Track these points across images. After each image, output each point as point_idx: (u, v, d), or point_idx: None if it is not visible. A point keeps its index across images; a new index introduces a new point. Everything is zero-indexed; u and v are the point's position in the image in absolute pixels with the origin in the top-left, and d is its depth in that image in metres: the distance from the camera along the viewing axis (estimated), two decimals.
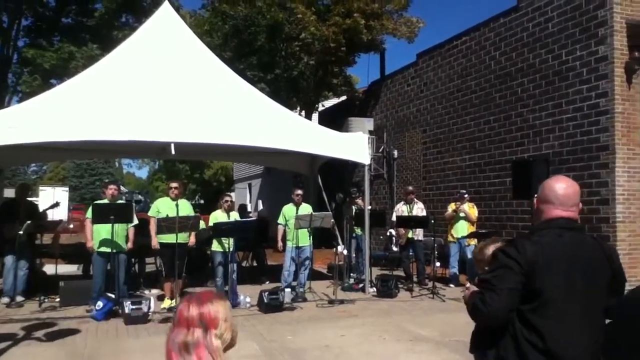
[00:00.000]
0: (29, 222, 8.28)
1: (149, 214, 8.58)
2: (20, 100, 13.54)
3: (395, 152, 15.19)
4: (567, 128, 9.72)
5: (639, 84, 9.05)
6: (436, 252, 10.07)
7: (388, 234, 13.21)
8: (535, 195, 2.41)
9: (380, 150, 15.55)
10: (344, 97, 18.32)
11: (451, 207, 10.27)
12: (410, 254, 10.47)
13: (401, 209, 10.67)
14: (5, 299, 8.33)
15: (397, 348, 6.18)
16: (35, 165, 46.79)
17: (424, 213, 10.43)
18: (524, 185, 7.18)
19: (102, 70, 9.44)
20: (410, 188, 11.02)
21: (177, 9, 14.33)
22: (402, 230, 10.47)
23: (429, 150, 13.82)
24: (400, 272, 10.86)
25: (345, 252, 10.16)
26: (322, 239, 10.83)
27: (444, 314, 7.89)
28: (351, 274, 10.54)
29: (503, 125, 11.26)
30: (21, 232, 8.14)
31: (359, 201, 10.66)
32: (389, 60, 25.47)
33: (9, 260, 8.37)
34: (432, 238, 10.19)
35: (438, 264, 10.39)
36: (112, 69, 9.36)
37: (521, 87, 10.83)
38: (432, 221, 9.85)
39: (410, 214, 10.30)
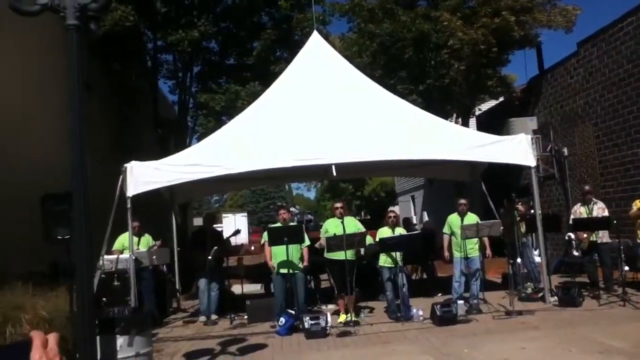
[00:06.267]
0: (215, 248, 9.21)
1: (321, 235, 9.05)
2: (198, 139, 15.09)
3: (565, 150, 14.17)
4: None
5: None
6: (623, 255, 9.17)
7: (567, 238, 12.32)
8: None
9: (548, 149, 14.62)
10: (501, 99, 17.60)
11: (636, 204, 9.30)
12: (595, 258, 9.66)
13: (579, 210, 9.88)
14: (202, 318, 9.32)
15: None
16: (217, 194, 51.41)
17: (606, 213, 9.57)
18: None
19: (265, 104, 10.26)
20: (587, 187, 10.19)
21: (326, 36, 14.98)
22: (582, 234, 9.72)
23: (604, 144, 12.68)
24: (583, 279, 10.06)
25: (519, 260, 9.70)
26: (494, 247, 10.41)
27: (638, 323, 7.16)
28: (528, 283, 10.01)
29: None
30: (210, 258, 9.08)
31: (520, 207, 10.13)
32: (546, 53, 23.85)
33: (202, 283, 9.37)
34: (617, 240, 9.31)
35: (627, 267, 9.45)
36: (273, 101, 10.14)
37: None
38: (615, 221, 9.01)
39: (589, 216, 9.53)
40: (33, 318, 5.57)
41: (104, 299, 7.32)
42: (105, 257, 8.36)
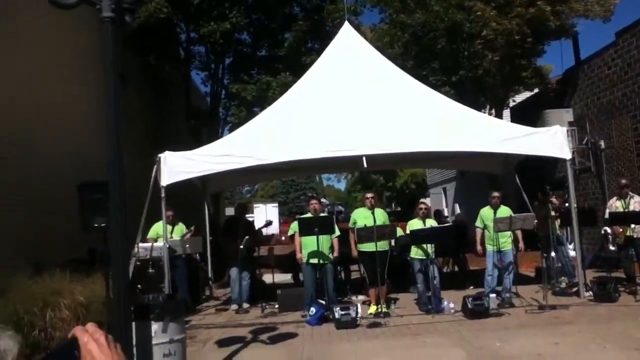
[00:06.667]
0: (247, 237, 9.31)
1: (349, 225, 9.06)
2: (230, 130, 15.21)
3: (602, 143, 13.81)
4: None
5: None
6: None
7: (602, 232, 12.06)
8: None
9: (584, 141, 14.28)
10: (536, 90, 17.25)
11: None
12: (631, 253, 9.44)
13: (615, 204, 9.65)
14: (234, 306, 9.45)
15: (622, 357, 5.65)
16: (248, 185, 51.97)
17: None
18: None
19: (296, 95, 10.29)
20: (624, 181, 9.94)
21: (357, 26, 14.88)
22: (618, 229, 9.50)
23: None
24: (619, 274, 9.84)
25: (553, 254, 9.54)
26: (526, 240, 10.26)
27: None
28: (562, 278, 9.84)
29: None
30: (242, 247, 9.19)
31: (554, 200, 9.94)
32: (583, 43, 23.17)
33: (234, 271, 9.50)
34: None
35: None
36: (304, 92, 10.15)
37: None
38: None
39: (625, 210, 9.30)
40: (71, 303, 5.74)
41: (139, 285, 7.48)
42: (140, 244, 8.53)
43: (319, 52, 12.79)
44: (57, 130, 10.11)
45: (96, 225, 5.50)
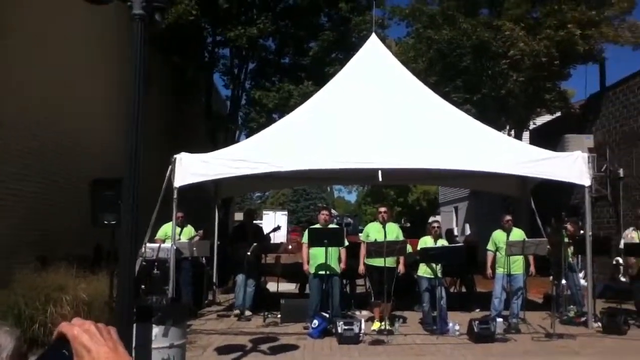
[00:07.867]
0: (255, 244, 9.26)
1: (361, 238, 8.97)
2: (247, 135, 15.24)
3: (621, 171, 13.59)
4: None
5: None
6: None
7: (614, 262, 11.83)
8: None
9: (603, 169, 14.07)
10: (558, 114, 17.07)
11: None
12: None
13: (630, 235, 9.44)
14: (236, 311, 9.39)
15: None
16: (260, 191, 51.98)
17: None
18: None
19: (316, 104, 10.27)
20: None
21: (383, 39, 14.87)
22: (632, 259, 9.30)
23: None
24: (629, 306, 9.62)
25: (563, 281, 9.37)
26: (536, 266, 10.09)
27: None
28: (571, 306, 9.65)
29: None
30: (249, 253, 9.15)
31: (569, 226, 9.77)
32: (609, 70, 22.95)
33: (239, 278, 9.46)
34: None
35: None
36: (325, 102, 10.14)
37: None
38: None
39: None
40: (73, 299, 5.72)
41: (143, 286, 7.45)
42: (148, 244, 8.52)
43: (342, 63, 12.77)
44: (75, 126, 10.15)
45: (106, 222, 5.50)
